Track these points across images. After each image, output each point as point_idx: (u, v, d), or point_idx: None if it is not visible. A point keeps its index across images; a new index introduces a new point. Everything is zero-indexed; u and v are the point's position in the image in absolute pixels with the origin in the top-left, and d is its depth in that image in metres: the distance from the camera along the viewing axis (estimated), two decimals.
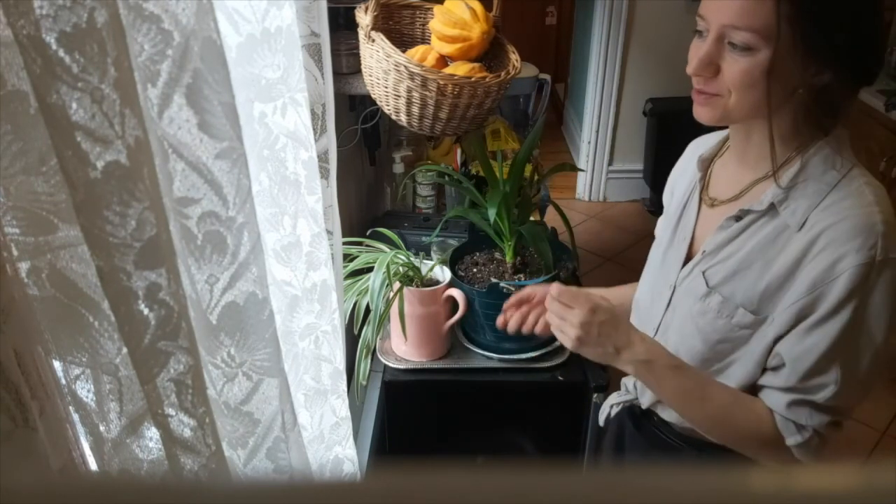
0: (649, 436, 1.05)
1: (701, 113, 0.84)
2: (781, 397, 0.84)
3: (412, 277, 1.34)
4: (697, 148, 1.03)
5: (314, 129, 0.84)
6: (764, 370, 0.86)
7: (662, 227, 1.04)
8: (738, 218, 0.87)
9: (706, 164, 0.96)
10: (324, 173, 0.89)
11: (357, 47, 1.23)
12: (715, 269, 0.88)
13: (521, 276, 1.35)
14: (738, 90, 0.79)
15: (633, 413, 1.08)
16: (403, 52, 1.16)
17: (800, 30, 0.74)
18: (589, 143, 3.50)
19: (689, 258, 0.95)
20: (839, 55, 0.76)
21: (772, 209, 0.83)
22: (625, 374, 1.10)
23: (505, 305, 1.05)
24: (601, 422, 1.14)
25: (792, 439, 0.84)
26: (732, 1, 0.76)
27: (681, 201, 0.99)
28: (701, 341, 0.90)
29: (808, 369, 0.80)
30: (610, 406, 1.11)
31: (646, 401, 1.03)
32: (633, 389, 1.07)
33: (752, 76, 0.77)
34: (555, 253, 1.32)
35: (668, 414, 1.00)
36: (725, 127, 0.93)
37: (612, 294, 1.13)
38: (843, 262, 0.76)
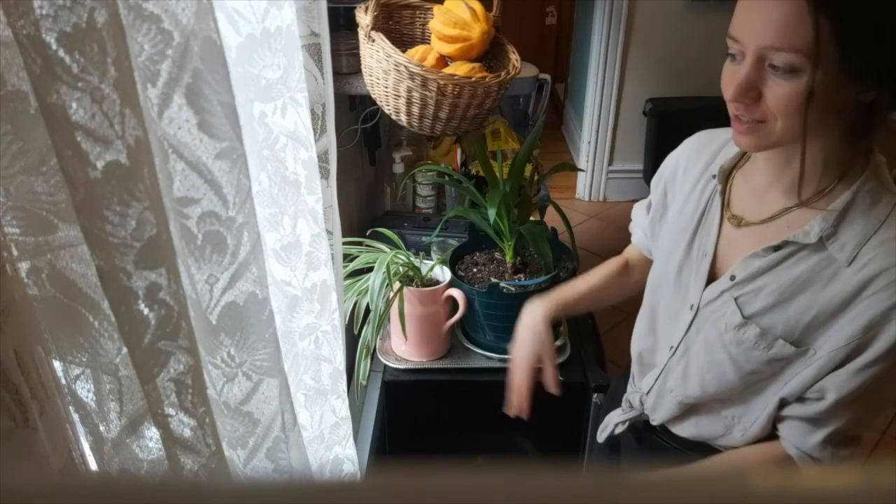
0: (654, 446, 1.04)
1: (745, 142, 0.79)
2: (810, 434, 0.85)
3: (412, 277, 1.34)
4: (706, 147, 0.97)
5: (314, 129, 0.84)
6: (786, 401, 0.86)
7: (670, 233, 0.99)
8: (776, 248, 0.83)
9: (726, 176, 0.91)
10: (324, 173, 0.89)
11: (357, 47, 1.23)
12: (749, 298, 0.85)
13: (521, 276, 1.35)
14: (784, 115, 0.73)
15: (635, 428, 1.07)
16: (403, 52, 1.16)
17: (843, 46, 0.69)
18: (589, 143, 3.50)
19: (710, 276, 0.91)
20: (883, 69, 0.72)
21: (818, 243, 0.80)
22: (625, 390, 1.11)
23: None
24: (601, 438, 1.11)
25: (805, 464, 0.87)
26: (771, 20, 0.70)
27: (694, 210, 0.94)
28: (733, 370, 0.88)
29: (850, 403, 0.81)
30: (615, 424, 1.08)
31: (659, 417, 1.01)
32: (639, 405, 1.04)
33: (799, 99, 0.71)
34: (555, 253, 1.32)
35: (681, 429, 0.99)
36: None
37: (594, 279, 1.12)
38: None
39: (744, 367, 0.87)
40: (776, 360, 0.84)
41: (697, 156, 0.97)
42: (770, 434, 0.91)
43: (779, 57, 0.70)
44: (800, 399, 0.85)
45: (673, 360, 0.96)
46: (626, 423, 1.06)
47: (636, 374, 1.08)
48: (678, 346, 0.95)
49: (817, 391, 0.83)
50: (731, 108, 0.77)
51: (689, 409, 0.97)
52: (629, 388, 1.09)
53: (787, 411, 0.86)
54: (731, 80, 0.76)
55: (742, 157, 0.91)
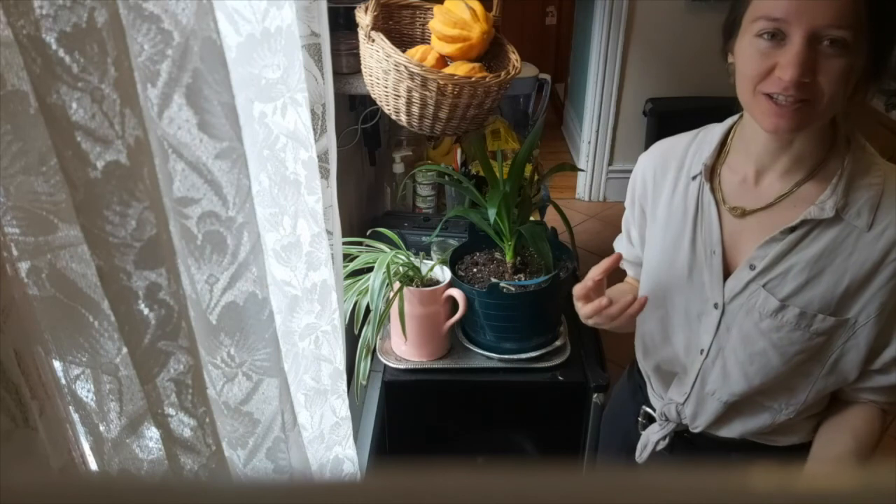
0: (692, 451, 1.04)
1: (785, 124, 0.77)
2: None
3: (412, 277, 1.34)
4: (669, 154, 0.98)
5: (314, 129, 0.84)
6: (860, 372, 0.89)
7: (664, 243, 0.98)
8: (793, 229, 0.85)
9: (711, 172, 0.92)
10: (324, 173, 0.89)
11: (357, 47, 1.23)
12: (778, 282, 0.87)
13: (521, 276, 1.35)
14: (834, 92, 0.75)
15: (675, 438, 1.05)
16: (403, 52, 1.16)
17: (876, 29, 0.73)
18: (589, 143, 3.50)
19: (725, 272, 0.91)
20: (885, 55, 0.76)
21: (835, 216, 0.82)
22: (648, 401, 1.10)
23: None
24: (641, 458, 1.08)
25: None
26: (827, 1, 0.72)
27: (683, 213, 0.94)
28: (776, 356, 0.89)
29: None
30: (655, 442, 1.05)
31: (701, 423, 1.00)
32: (676, 416, 1.02)
33: (848, 76, 0.74)
34: (555, 253, 1.32)
35: (727, 431, 0.99)
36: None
37: (621, 290, 1.12)
38: None
39: (787, 351, 0.88)
40: (818, 335, 0.86)
41: (664, 165, 0.98)
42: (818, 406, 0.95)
43: (835, 34, 0.72)
44: (876, 370, 0.89)
45: (707, 363, 0.95)
46: (668, 438, 1.04)
47: (658, 386, 1.07)
48: (709, 347, 0.94)
49: (883, 361, 0.87)
50: (777, 89, 0.75)
51: (732, 409, 0.97)
52: (657, 402, 1.07)
53: (867, 383, 0.90)
54: (774, 60, 0.75)
55: (721, 153, 0.93)
